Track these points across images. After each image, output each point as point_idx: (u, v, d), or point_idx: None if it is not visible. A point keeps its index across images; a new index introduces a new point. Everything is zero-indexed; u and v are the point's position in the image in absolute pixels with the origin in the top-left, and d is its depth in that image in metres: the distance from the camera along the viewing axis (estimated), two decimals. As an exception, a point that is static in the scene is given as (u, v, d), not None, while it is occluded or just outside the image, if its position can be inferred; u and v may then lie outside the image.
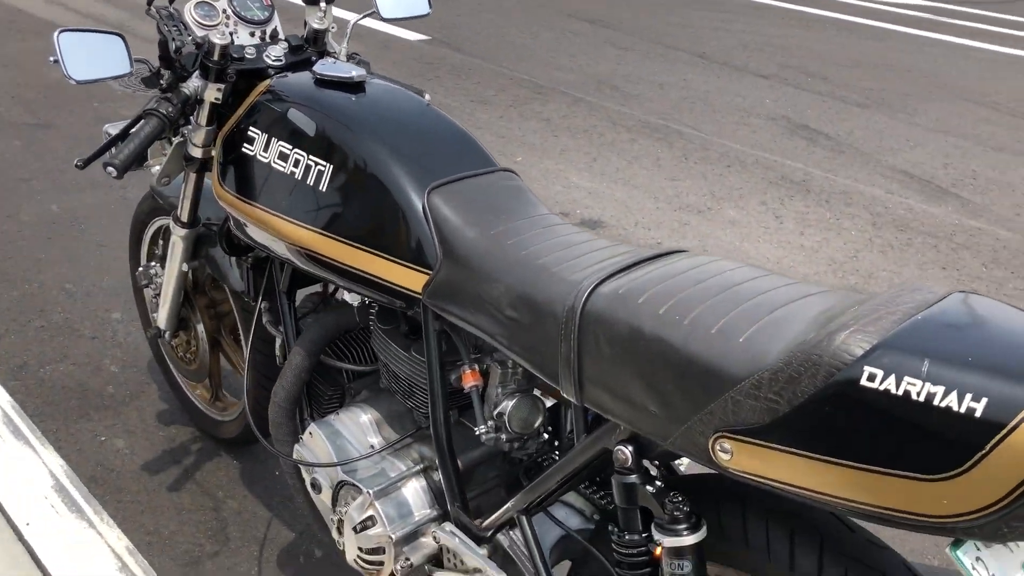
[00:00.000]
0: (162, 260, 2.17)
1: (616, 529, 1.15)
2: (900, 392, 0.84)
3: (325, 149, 1.45)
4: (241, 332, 2.04)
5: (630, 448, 1.12)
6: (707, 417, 0.99)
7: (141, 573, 1.90)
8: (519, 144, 4.58)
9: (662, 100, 5.41)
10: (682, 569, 1.08)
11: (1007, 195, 4.33)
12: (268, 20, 1.76)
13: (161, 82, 1.66)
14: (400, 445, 1.52)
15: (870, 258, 3.57)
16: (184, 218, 1.91)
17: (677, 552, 1.08)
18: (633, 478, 1.12)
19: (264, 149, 1.54)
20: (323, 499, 1.58)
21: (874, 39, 7.62)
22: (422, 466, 1.49)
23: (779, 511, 1.11)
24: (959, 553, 0.88)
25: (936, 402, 0.83)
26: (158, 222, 2.21)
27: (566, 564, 1.41)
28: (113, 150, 1.61)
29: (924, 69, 6.65)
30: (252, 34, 1.74)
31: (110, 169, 1.54)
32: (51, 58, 1.61)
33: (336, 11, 1.78)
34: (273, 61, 1.68)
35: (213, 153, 1.75)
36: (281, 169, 1.50)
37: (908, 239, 3.76)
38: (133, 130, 1.59)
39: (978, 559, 0.89)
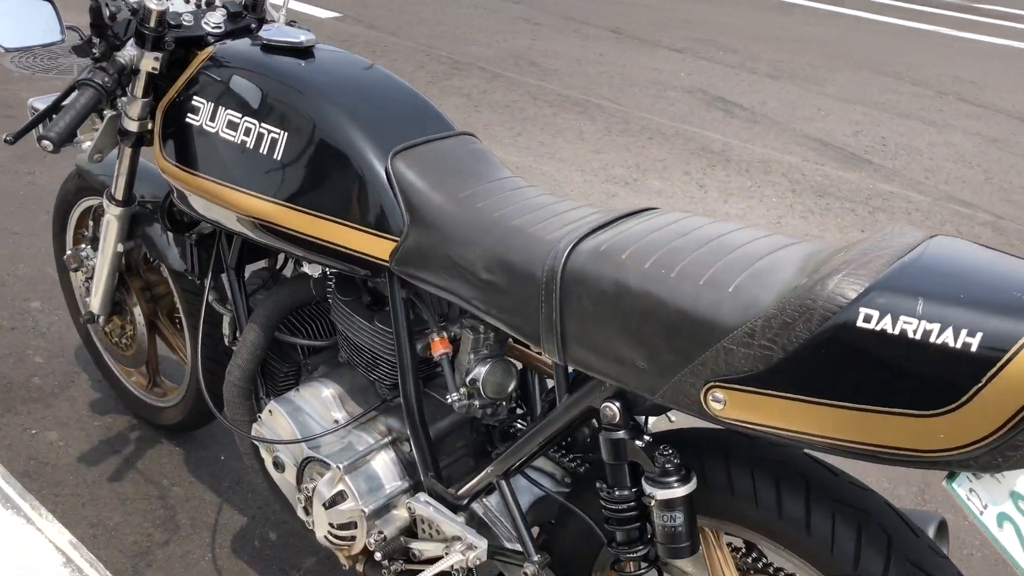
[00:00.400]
0: (93, 242, 2.07)
1: (604, 486, 1.15)
2: (896, 331, 0.86)
3: (278, 116, 1.40)
4: (182, 313, 1.97)
5: (617, 404, 1.12)
6: (698, 368, 0.99)
7: (87, 567, 1.83)
8: (442, 120, 4.53)
9: (580, 75, 5.42)
10: (674, 521, 1.09)
11: (916, 160, 4.50)
12: None
13: (94, 51, 1.58)
14: (366, 418, 1.49)
15: (793, 223, 3.67)
16: (119, 196, 1.83)
17: (668, 504, 1.09)
18: (621, 434, 1.12)
19: (210, 119, 1.48)
20: (287, 478, 1.54)
21: (779, 12, 7.80)
22: (390, 438, 1.47)
23: (763, 459, 1.12)
24: (954, 485, 0.91)
25: (932, 339, 0.85)
26: (86, 202, 2.11)
27: (537, 528, 1.41)
28: (47, 123, 1.53)
29: (827, 41, 6.84)
30: (188, 0, 1.67)
31: (45, 143, 1.46)
32: None
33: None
34: (212, 28, 1.61)
35: (150, 126, 1.67)
36: (230, 138, 1.45)
37: (827, 204, 3.87)
38: (67, 101, 1.50)
39: (971, 490, 0.91)
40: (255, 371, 1.61)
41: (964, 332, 0.84)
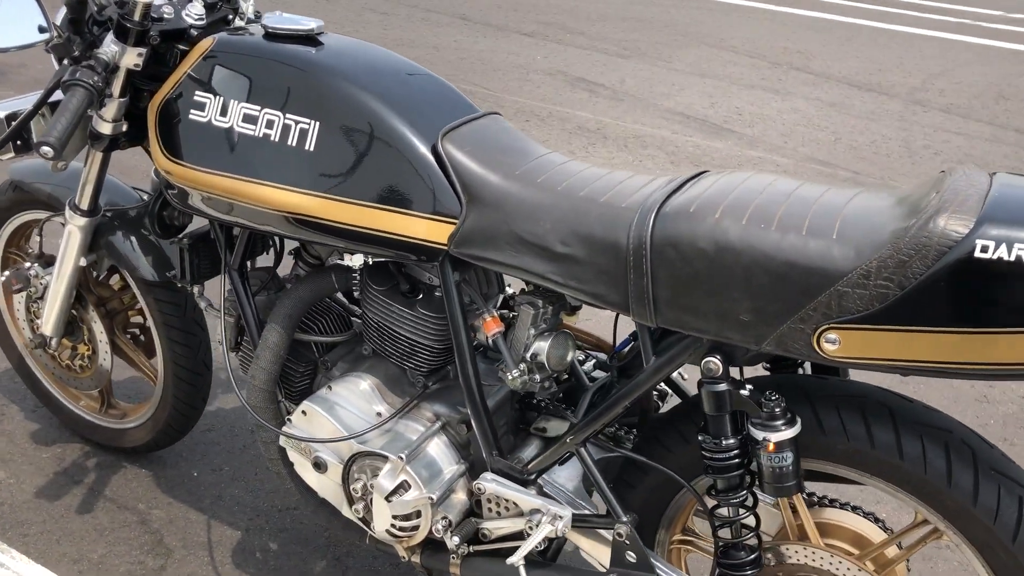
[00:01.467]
0: (39, 259, 1.92)
1: (707, 437, 1.21)
2: (1013, 258, 0.96)
3: (305, 105, 1.36)
4: (154, 325, 1.86)
5: (719, 357, 1.17)
6: (809, 313, 1.06)
7: (85, 604, 1.71)
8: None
9: (442, 62, 5.43)
10: (784, 461, 1.16)
11: (771, 127, 4.80)
12: None
13: (73, 49, 1.47)
14: (411, 407, 1.47)
15: (682, 192, 3.83)
16: (84, 205, 1.71)
17: (779, 446, 1.15)
18: (723, 386, 1.18)
19: (221, 113, 1.42)
20: (329, 478, 1.50)
21: (611, -6, 8.06)
22: (440, 423, 1.46)
23: (844, 396, 1.21)
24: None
25: (1037, 259, 0.95)
26: (22, 217, 1.95)
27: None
28: (38, 130, 1.42)
29: (665, 19, 7.15)
30: None
31: (46, 149, 1.34)
32: None
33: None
34: (196, 20, 1.53)
35: (124, 128, 1.58)
36: (250, 132, 1.39)
37: (707, 172, 4.07)
38: (62, 104, 1.39)
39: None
40: (279, 372, 1.55)
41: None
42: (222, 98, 1.42)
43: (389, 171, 1.32)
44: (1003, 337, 0.98)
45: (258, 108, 1.39)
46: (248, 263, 1.64)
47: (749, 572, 1.26)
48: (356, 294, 1.55)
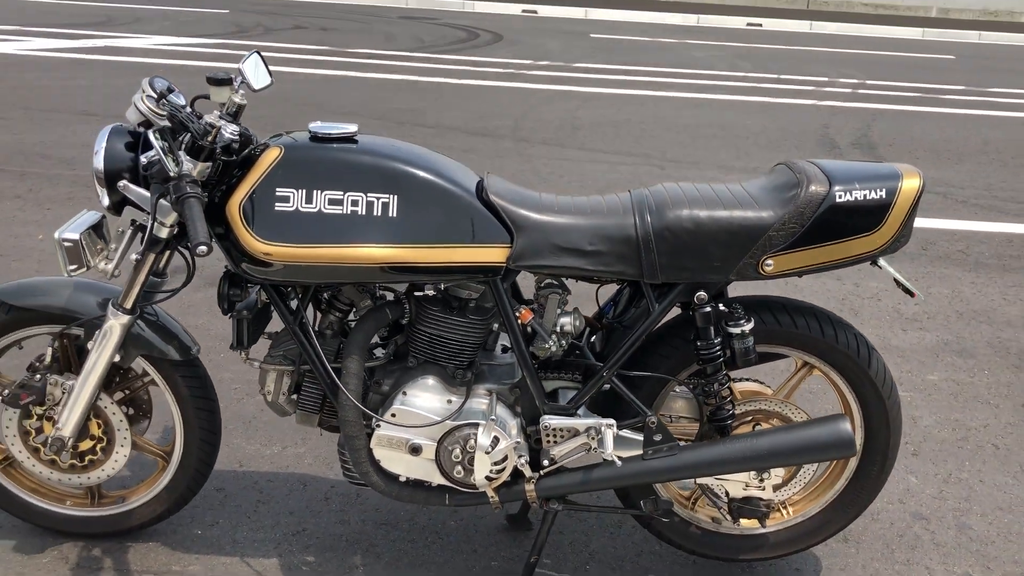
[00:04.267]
0: (48, 369, 2.08)
1: (702, 341, 1.97)
2: (853, 197, 1.87)
3: (382, 184, 1.86)
4: (176, 401, 2.12)
5: (703, 291, 1.95)
6: (756, 251, 1.89)
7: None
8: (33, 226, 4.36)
9: None
10: (748, 343, 1.96)
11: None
12: None
13: (172, 170, 1.79)
14: (471, 389, 2.03)
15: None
16: (128, 304, 1.98)
17: (742, 335, 1.96)
18: (708, 308, 1.95)
19: (307, 201, 1.85)
20: (423, 457, 1.99)
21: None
22: (494, 395, 2.04)
23: (771, 303, 2.05)
24: (880, 263, 1.95)
25: (868, 196, 1.87)
26: (18, 334, 2.09)
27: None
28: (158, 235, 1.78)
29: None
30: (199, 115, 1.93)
31: (203, 248, 1.68)
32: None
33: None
34: (239, 136, 1.93)
35: (175, 231, 1.92)
36: (338, 211, 1.85)
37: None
38: (189, 212, 1.72)
39: (881, 266, 1.97)
40: (363, 392, 2.00)
41: (880, 191, 1.88)
42: (304, 190, 1.86)
43: (458, 219, 1.88)
44: (854, 241, 1.89)
45: (341, 192, 1.86)
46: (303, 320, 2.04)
47: (729, 422, 2.05)
48: (404, 320, 2.05)
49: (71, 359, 2.14)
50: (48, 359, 2.09)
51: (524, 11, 17.41)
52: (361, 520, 2.41)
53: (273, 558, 2.26)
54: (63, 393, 2.07)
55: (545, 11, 17.51)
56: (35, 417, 2.12)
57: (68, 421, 2.06)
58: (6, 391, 2.08)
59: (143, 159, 1.89)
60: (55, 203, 4.67)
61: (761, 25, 17.76)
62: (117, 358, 2.04)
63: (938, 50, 15.27)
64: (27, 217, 4.45)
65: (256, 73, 1.94)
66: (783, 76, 10.69)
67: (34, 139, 5.80)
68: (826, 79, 10.62)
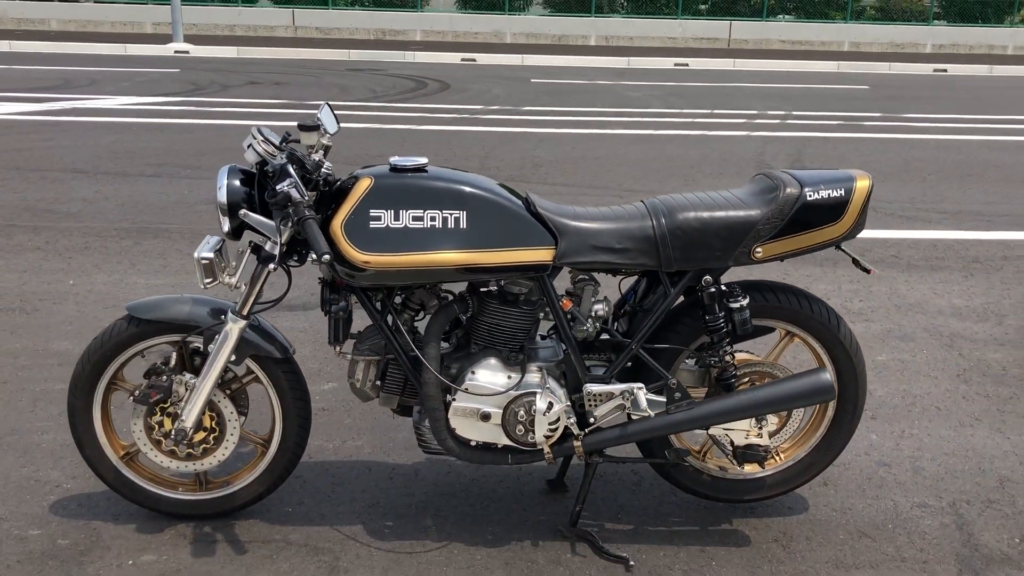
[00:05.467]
0: (173, 371, 2.49)
1: (710, 316, 2.48)
2: (820, 196, 2.42)
3: (453, 204, 2.34)
4: (277, 393, 2.55)
5: (709, 276, 2.46)
6: (748, 242, 2.42)
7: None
8: None
9: None
10: (745, 314, 2.48)
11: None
12: None
13: (305, 197, 2.23)
14: (526, 367, 2.50)
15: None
16: (245, 311, 2.42)
17: (741, 309, 2.48)
18: (713, 288, 2.47)
19: (395, 219, 2.32)
20: (491, 423, 2.45)
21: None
22: (545, 369, 2.52)
23: (760, 284, 2.57)
24: (843, 247, 2.50)
25: (831, 195, 2.42)
26: (139, 347, 2.50)
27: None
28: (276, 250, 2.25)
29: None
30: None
31: (326, 257, 2.14)
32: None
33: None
34: (330, 171, 2.40)
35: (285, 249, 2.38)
36: (420, 226, 2.33)
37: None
38: (310, 232, 2.17)
39: (843, 249, 2.52)
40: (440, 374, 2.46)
41: (840, 190, 2.43)
42: (392, 211, 2.33)
43: (513, 227, 2.37)
44: (822, 230, 2.43)
45: (421, 211, 2.34)
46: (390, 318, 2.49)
47: (733, 381, 2.56)
48: (467, 315, 2.52)
49: (187, 363, 2.56)
50: (172, 362, 2.51)
51: (463, 60, 18.10)
52: (424, 493, 2.86)
53: (357, 525, 2.68)
54: (186, 390, 2.48)
55: (483, 59, 18.23)
56: (158, 413, 2.53)
57: (190, 414, 2.47)
58: (136, 392, 2.49)
59: (277, 189, 2.28)
60: (75, 252, 5.03)
61: (688, 65, 18.73)
62: (233, 358, 2.47)
63: (853, 81, 16.34)
64: (53, 266, 4.81)
65: (329, 121, 2.43)
66: (715, 111, 11.46)
67: (36, 196, 6.14)
68: (755, 112, 11.42)
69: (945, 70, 19.22)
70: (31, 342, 3.87)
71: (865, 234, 5.77)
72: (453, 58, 18.18)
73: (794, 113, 11.35)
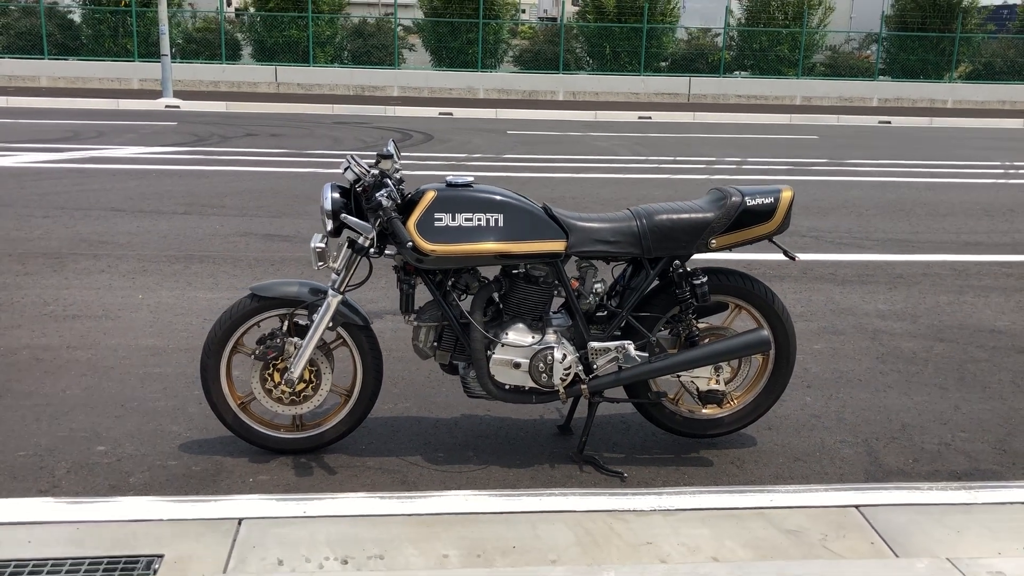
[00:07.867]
0: (286, 334, 3.35)
1: (680, 291, 3.40)
2: (756, 203, 3.38)
3: (493, 209, 3.25)
4: (359, 352, 3.42)
5: (677, 261, 3.40)
6: (705, 235, 3.37)
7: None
8: None
9: (151, 242, 6.67)
10: (703, 289, 3.41)
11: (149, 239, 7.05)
12: None
13: (394, 204, 3.14)
14: (546, 330, 3.39)
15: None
16: (341, 288, 3.30)
17: (701, 284, 3.41)
18: (682, 270, 3.40)
19: (452, 220, 3.22)
20: (521, 371, 3.34)
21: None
22: (559, 332, 3.41)
23: (723, 268, 3.51)
24: (774, 240, 3.45)
25: (763, 202, 3.38)
26: (255, 319, 3.35)
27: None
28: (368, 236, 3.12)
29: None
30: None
31: (409, 244, 3.04)
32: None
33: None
34: (402, 186, 3.31)
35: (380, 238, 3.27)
36: (470, 225, 3.23)
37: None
38: (394, 229, 3.07)
39: (775, 242, 3.47)
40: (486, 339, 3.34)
41: (770, 199, 3.39)
42: (450, 215, 3.23)
43: (537, 226, 3.28)
44: (759, 227, 3.39)
45: (471, 214, 3.24)
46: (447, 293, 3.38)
47: (697, 341, 3.48)
48: (500, 293, 3.41)
49: (292, 330, 3.42)
50: (284, 329, 3.38)
51: (441, 113, 19.20)
52: (464, 435, 3.72)
53: (416, 456, 3.54)
54: (294, 349, 3.35)
55: (459, 113, 19.34)
56: (271, 368, 3.39)
57: (297, 366, 3.33)
58: (255, 352, 3.35)
59: (376, 197, 3.17)
60: (135, 274, 5.86)
61: (651, 117, 19.98)
62: (330, 324, 3.34)
63: (805, 132, 17.63)
64: (121, 285, 5.64)
65: (396, 152, 3.35)
66: (678, 157, 12.56)
67: (87, 230, 6.97)
68: (714, 158, 12.54)
69: (889, 122, 20.65)
70: (123, 340, 4.70)
71: (806, 257, 6.79)
72: (431, 112, 19.27)
73: (749, 159, 12.48)
